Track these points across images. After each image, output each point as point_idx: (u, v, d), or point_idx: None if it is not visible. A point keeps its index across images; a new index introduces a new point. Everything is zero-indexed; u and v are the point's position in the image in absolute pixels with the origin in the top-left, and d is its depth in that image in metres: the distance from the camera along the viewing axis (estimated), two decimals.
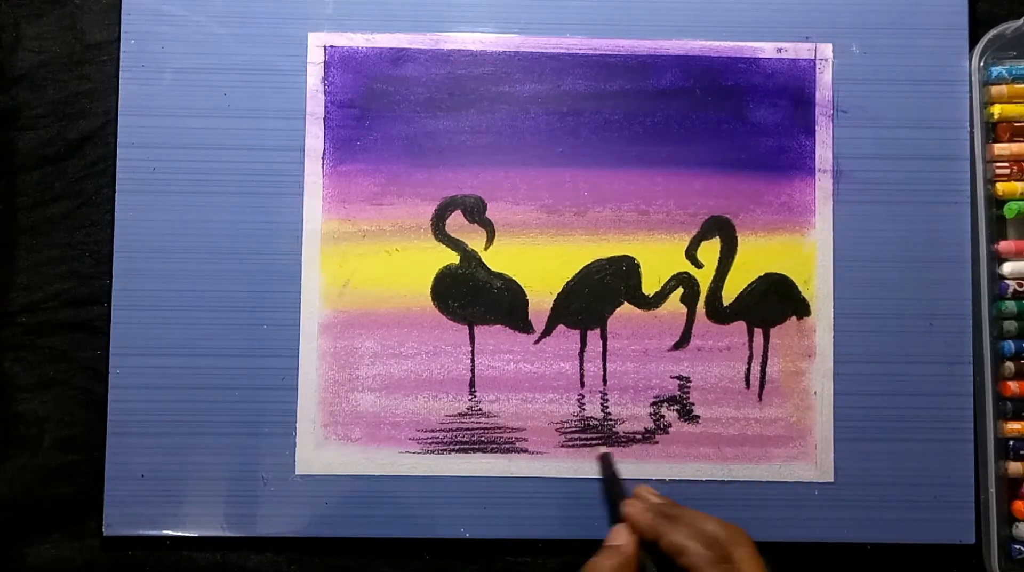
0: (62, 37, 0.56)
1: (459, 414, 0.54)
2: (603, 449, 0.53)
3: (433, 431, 0.54)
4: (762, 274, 0.55)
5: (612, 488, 0.51)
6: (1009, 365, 0.54)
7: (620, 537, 0.48)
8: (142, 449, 0.54)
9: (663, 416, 0.55)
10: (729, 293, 0.55)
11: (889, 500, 0.54)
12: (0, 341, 0.55)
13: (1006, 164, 0.55)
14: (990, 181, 0.55)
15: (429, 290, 0.55)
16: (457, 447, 0.54)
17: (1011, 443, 0.54)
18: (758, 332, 0.55)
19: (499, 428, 0.54)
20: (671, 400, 0.55)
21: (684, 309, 0.55)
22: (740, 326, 0.55)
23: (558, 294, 0.55)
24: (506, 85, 0.55)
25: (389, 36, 0.56)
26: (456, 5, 0.56)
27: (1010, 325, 0.54)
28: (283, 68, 0.55)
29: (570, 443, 0.54)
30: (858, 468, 0.54)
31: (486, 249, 0.55)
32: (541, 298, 0.55)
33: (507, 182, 0.55)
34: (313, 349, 0.54)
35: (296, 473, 0.54)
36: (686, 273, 0.55)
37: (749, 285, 0.55)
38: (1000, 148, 0.55)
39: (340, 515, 0.54)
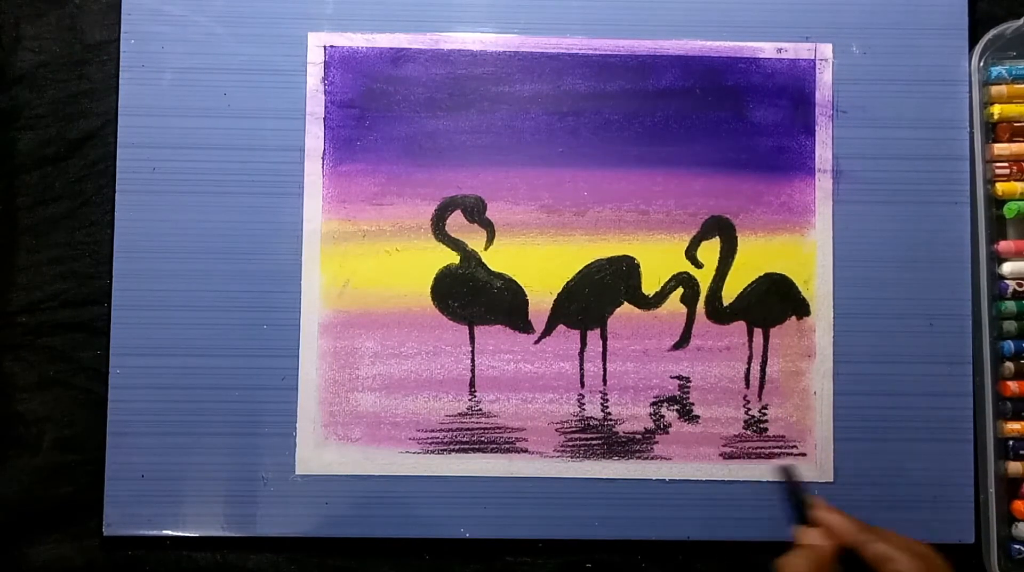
0: (62, 37, 0.56)
1: (459, 414, 0.54)
2: (784, 462, 0.53)
3: (433, 431, 0.54)
4: (762, 274, 0.55)
5: (797, 496, 0.50)
6: (1009, 365, 0.54)
7: (816, 539, 0.47)
8: (142, 449, 0.54)
9: (663, 416, 0.55)
10: (729, 293, 0.55)
11: (889, 500, 0.54)
12: (0, 341, 0.55)
13: (1006, 164, 0.55)
14: (990, 181, 0.55)
15: (429, 290, 0.55)
16: (457, 447, 0.54)
17: (1011, 443, 0.54)
18: (758, 332, 0.55)
19: (499, 428, 0.54)
20: (671, 400, 0.55)
21: (684, 309, 0.55)
22: (740, 326, 0.55)
23: (558, 294, 0.55)
24: (506, 85, 0.55)
25: (389, 36, 0.56)
26: (456, 5, 0.56)
27: (1010, 325, 0.54)
28: (283, 68, 0.55)
29: (570, 443, 0.54)
30: (858, 468, 0.55)
31: (486, 249, 0.55)
32: (541, 298, 0.55)
33: (507, 182, 0.55)
34: (313, 349, 0.54)
35: (296, 473, 0.54)
36: (686, 273, 0.55)
37: (749, 285, 0.55)
38: (1000, 148, 0.55)
39: (340, 515, 0.54)
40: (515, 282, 0.55)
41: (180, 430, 0.54)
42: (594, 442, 0.55)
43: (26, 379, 0.55)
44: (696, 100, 0.56)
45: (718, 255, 0.55)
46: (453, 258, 0.55)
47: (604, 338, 0.55)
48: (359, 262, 0.55)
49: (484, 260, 0.55)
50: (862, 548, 0.45)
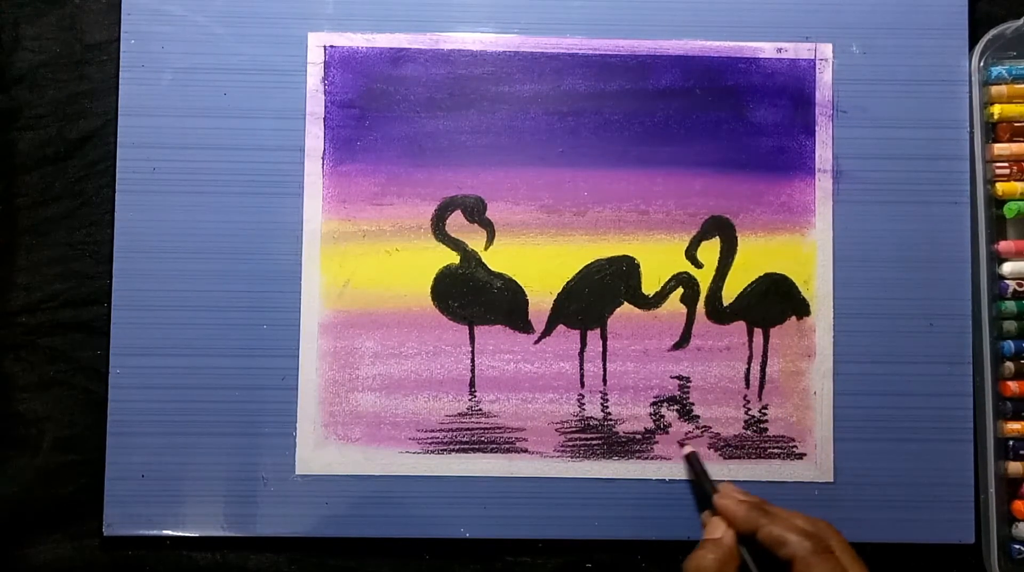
0: (62, 37, 0.56)
1: (459, 414, 0.55)
2: (688, 448, 0.54)
3: (433, 431, 0.54)
4: (762, 274, 0.55)
5: (701, 483, 0.52)
6: (1009, 365, 0.54)
7: (718, 530, 0.48)
8: (142, 449, 0.54)
9: (663, 416, 0.55)
10: (729, 293, 0.55)
11: (889, 500, 0.54)
12: (0, 341, 0.55)
13: (1006, 164, 0.55)
14: (990, 181, 0.55)
15: (429, 290, 0.55)
16: (457, 447, 0.54)
17: (1011, 443, 0.54)
18: (758, 332, 0.55)
19: (499, 428, 0.54)
20: (671, 400, 0.55)
21: (684, 309, 0.55)
22: (740, 326, 0.55)
23: (558, 294, 0.55)
24: (506, 85, 0.56)
25: (389, 36, 0.56)
26: (456, 5, 0.56)
27: (1010, 325, 0.54)
28: (283, 68, 0.55)
29: (570, 443, 0.54)
30: (858, 468, 0.55)
31: (486, 249, 0.55)
32: (541, 298, 0.55)
33: (507, 182, 0.55)
34: (313, 349, 0.54)
35: (296, 473, 0.54)
36: (686, 273, 0.55)
37: (749, 285, 0.55)
38: (1000, 148, 0.55)
39: (340, 515, 0.54)
40: (515, 282, 0.55)
41: (180, 430, 0.54)
42: (594, 442, 0.55)
43: (26, 379, 0.55)
44: (696, 100, 0.56)
45: (718, 255, 0.55)
46: (453, 258, 0.55)
47: (604, 338, 0.55)
48: (359, 262, 0.55)
49: (484, 260, 0.55)
50: (756, 533, 0.46)
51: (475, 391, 0.55)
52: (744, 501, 0.49)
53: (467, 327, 0.55)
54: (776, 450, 0.55)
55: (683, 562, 0.47)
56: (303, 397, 0.54)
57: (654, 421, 0.55)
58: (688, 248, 0.55)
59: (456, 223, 0.55)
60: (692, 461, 0.53)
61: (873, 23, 0.56)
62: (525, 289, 0.55)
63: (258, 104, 0.55)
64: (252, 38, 0.55)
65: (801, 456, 0.55)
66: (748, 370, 0.55)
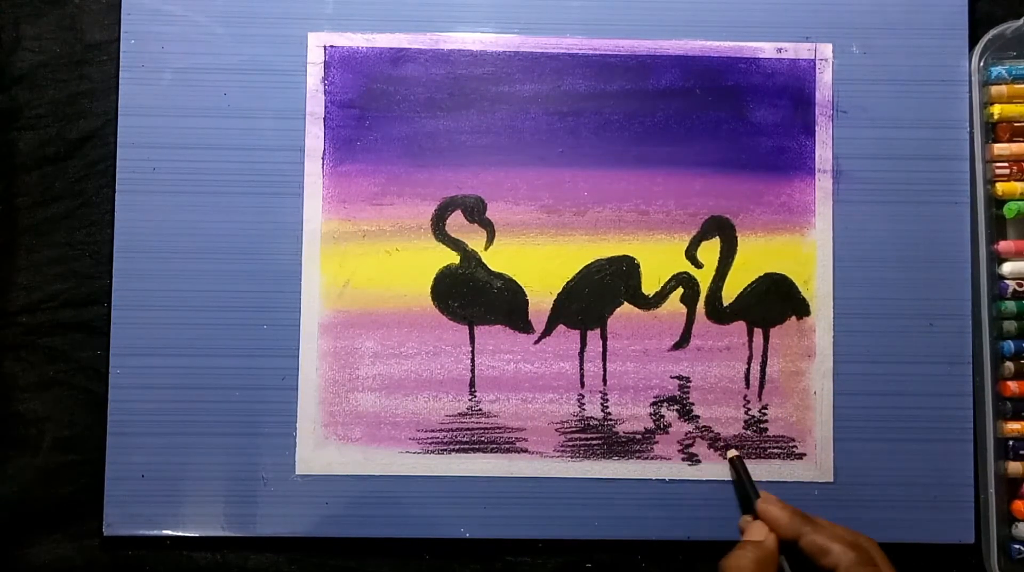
0: (62, 37, 0.56)
1: (459, 414, 0.55)
2: (733, 452, 0.54)
3: (433, 431, 0.54)
4: (762, 274, 0.55)
5: (745, 487, 0.52)
6: (1009, 365, 0.54)
7: (759, 533, 0.48)
8: (142, 449, 0.54)
9: (663, 416, 0.55)
10: (729, 293, 0.55)
11: (889, 500, 0.54)
12: (0, 341, 0.55)
13: (1006, 164, 0.55)
14: (990, 181, 0.55)
15: (429, 290, 0.55)
16: (457, 447, 0.54)
17: (1011, 443, 0.54)
18: (758, 332, 0.55)
19: (499, 428, 0.54)
20: (671, 400, 0.55)
21: (684, 309, 0.55)
22: (740, 326, 0.55)
23: (558, 294, 0.55)
24: (506, 85, 0.56)
25: (389, 36, 0.56)
26: (456, 5, 0.56)
27: (1010, 325, 0.54)
28: (283, 68, 0.55)
29: (570, 443, 0.54)
30: (858, 468, 0.55)
31: (486, 249, 0.55)
32: (541, 298, 0.55)
33: (507, 182, 0.55)
34: (313, 349, 0.54)
35: (296, 473, 0.54)
36: (686, 273, 0.55)
37: (749, 285, 0.55)
38: (1000, 148, 0.55)
39: (340, 515, 0.54)
40: (515, 282, 0.55)
41: (180, 430, 0.54)
42: (594, 442, 0.55)
43: (26, 379, 0.55)
44: (696, 100, 0.56)
45: (718, 255, 0.55)
46: (453, 258, 0.55)
47: (604, 338, 0.55)
48: (359, 262, 0.55)
49: (484, 260, 0.55)
50: (799, 540, 0.46)
51: (475, 391, 0.55)
52: (788, 508, 0.49)
53: (467, 327, 0.55)
54: (776, 450, 0.55)
55: (720, 560, 0.47)
56: (303, 397, 0.54)
57: (654, 421, 0.55)
58: (688, 248, 0.55)
59: (456, 223, 0.55)
60: (736, 465, 0.53)
61: (873, 23, 0.56)
62: (525, 289, 0.55)
63: (258, 104, 0.55)
64: (252, 38, 0.55)
65: (801, 456, 0.55)
66: (748, 370, 0.55)
